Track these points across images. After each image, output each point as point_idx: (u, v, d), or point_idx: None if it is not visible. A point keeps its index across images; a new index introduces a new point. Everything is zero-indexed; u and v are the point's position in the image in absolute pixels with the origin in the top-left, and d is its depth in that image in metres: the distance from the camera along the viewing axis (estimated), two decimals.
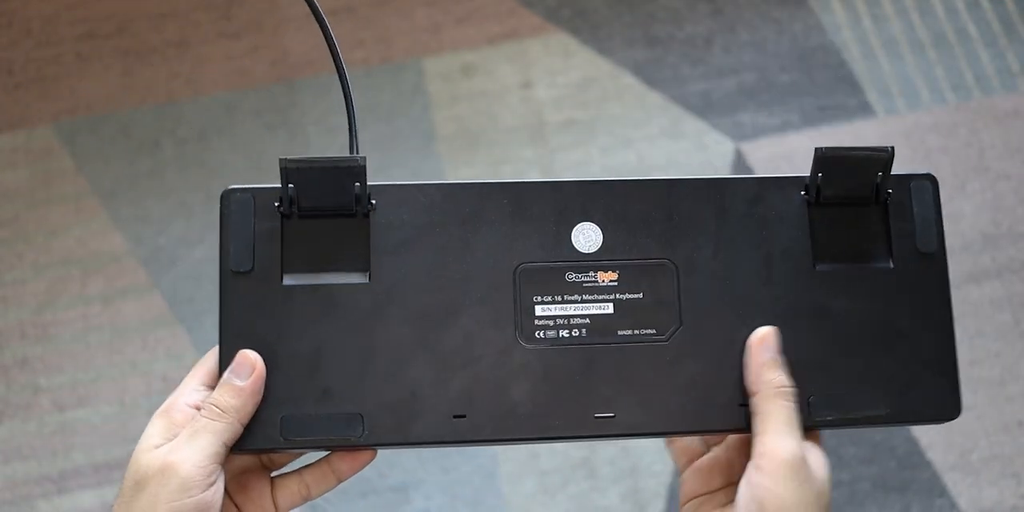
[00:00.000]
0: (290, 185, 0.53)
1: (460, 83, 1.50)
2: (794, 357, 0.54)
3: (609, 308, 0.55)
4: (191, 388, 0.54)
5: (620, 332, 0.54)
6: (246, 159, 1.47)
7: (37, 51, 1.55)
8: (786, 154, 1.44)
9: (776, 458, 0.51)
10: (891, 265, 0.57)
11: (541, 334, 0.54)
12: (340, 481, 0.61)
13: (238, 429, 0.52)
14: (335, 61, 0.58)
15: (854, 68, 1.49)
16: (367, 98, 1.50)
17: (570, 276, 0.55)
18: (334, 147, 1.46)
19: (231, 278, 0.53)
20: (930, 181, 0.59)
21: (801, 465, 0.51)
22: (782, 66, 1.50)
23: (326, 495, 1.26)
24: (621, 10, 1.55)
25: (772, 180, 0.57)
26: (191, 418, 0.52)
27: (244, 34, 1.54)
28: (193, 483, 0.50)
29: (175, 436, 0.52)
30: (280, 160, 0.53)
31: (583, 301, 0.55)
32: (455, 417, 0.53)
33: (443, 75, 1.51)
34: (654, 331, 0.54)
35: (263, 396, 0.53)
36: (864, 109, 1.46)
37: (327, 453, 0.58)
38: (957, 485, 1.26)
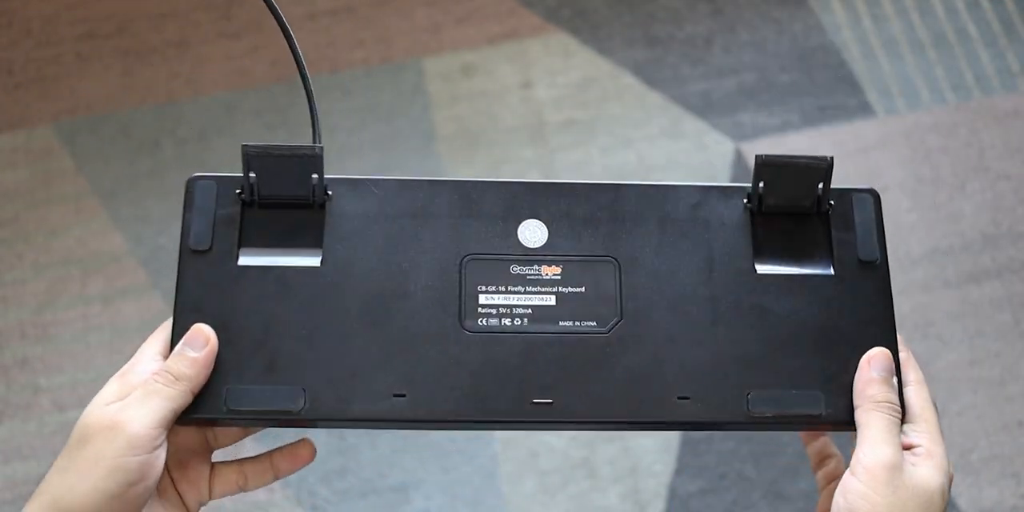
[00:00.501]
0: (251, 174, 0.56)
1: (460, 83, 1.50)
2: (733, 353, 0.56)
3: (551, 300, 0.56)
4: (148, 357, 0.55)
5: (561, 323, 0.56)
6: None
7: (37, 51, 1.55)
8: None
9: (868, 465, 0.52)
10: (832, 271, 0.58)
11: (483, 322, 0.56)
12: (276, 478, 0.61)
13: (188, 398, 0.53)
14: (291, 49, 0.60)
15: (854, 68, 1.49)
16: (367, 98, 1.50)
17: (514, 268, 0.57)
18: (334, 146, 1.46)
19: (189, 255, 0.56)
20: (872, 195, 0.60)
21: (894, 471, 0.51)
22: (782, 66, 1.50)
23: (326, 495, 1.26)
24: (621, 10, 1.55)
25: (716, 188, 0.59)
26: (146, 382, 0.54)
27: (244, 34, 1.54)
28: (139, 442, 0.51)
29: (118, 399, 0.53)
30: (242, 146, 0.56)
31: (526, 292, 0.56)
32: (395, 396, 0.54)
33: (443, 75, 1.51)
34: (595, 323, 0.56)
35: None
36: (864, 109, 1.46)
37: (268, 451, 0.60)
38: (957, 485, 1.26)
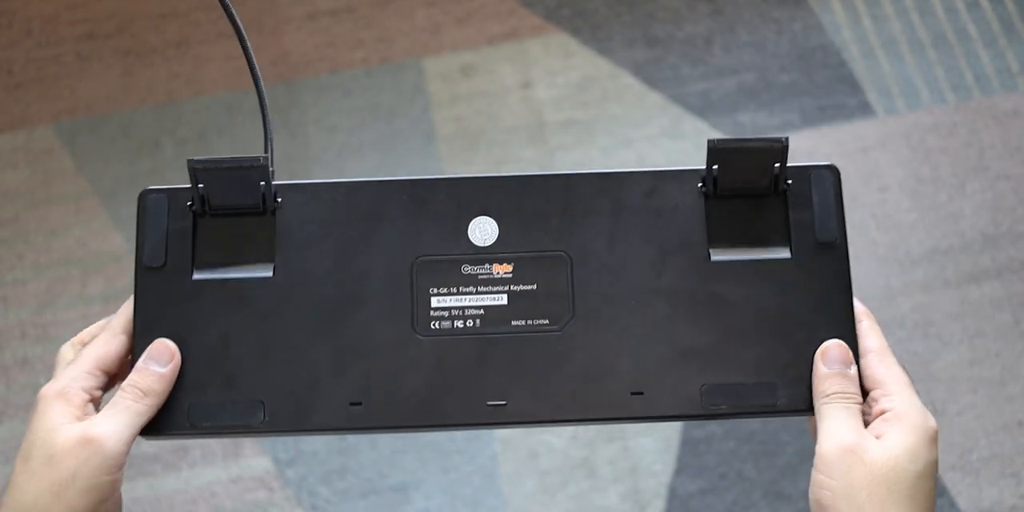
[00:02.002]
0: (200, 185, 0.56)
1: (460, 83, 1.50)
2: (687, 345, 0.55)
3: (503, 299, 0.56)
4: (84, 373, 0.54)
5: (514, 322, 0.56)
6: None
7: (37, 51, 1.55)
8: None
9: (822, 453, 0.52)
10: (789, 255, 0.56)
11: (436, 325, 0.56)
12: None
13: (152, 415, 0.54)
14: (247, 58, 0.60)
15: (854, 68, 1.49)
16: (367, 98, 1.50)
17: (466, 268, 0.56)
18: (334, 146, 1.46)
19: (144, 272, 0.56)
20: (831, 171, 0.59)
21: (847, 454, 0.51)
22: (782, 66, 1.50)
23: (326, 495, 1.26)
24: (621, 10, 1.55)
25: (670, 173, 0.58)
26: (87, 402, 0.53)
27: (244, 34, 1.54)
28: (115, 461, 0.51)
29: (78, 419, 0.52)
30: (188, 161, 0.56)
31: (478, 292, 0.56)
32: (351, 405, 0.54)
33: (443, 75, 1.51)
34: (547, 322, 0.56)
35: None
36: (864, 109, 1.46)
37: None
38: (957, 485, 1.26)
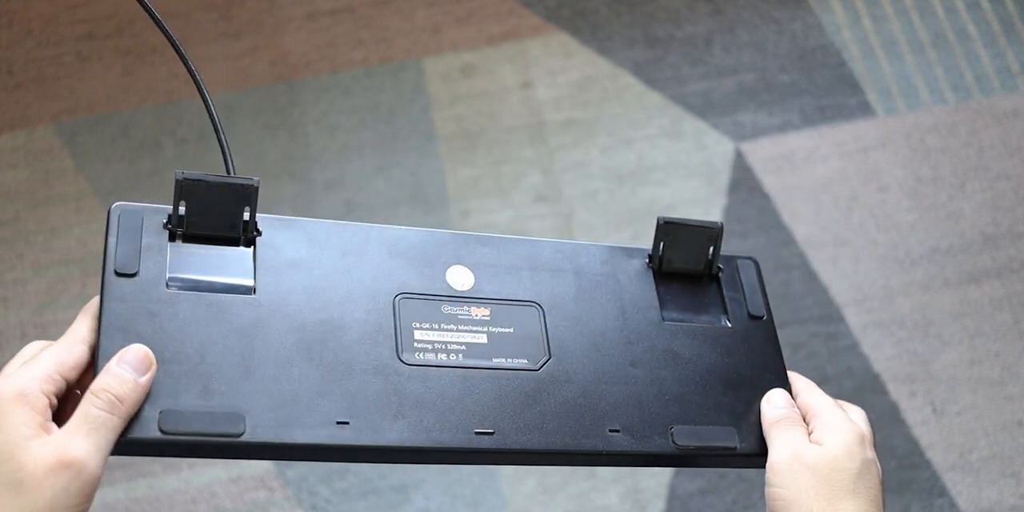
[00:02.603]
0: (182, 204, 0.54)
1: (460, 83, 1.51)
2: (653, 392, 0.60)
3: (483, 338, 0.58)
4: (45, 374, 0.48)
5: (495, 359, 0.58)
6: (246, 159, 1.47)
7: (37, 51, 1.55)
8: (786, 154, 1.44)
9: (770, 465, 0.57)
10: (728, 324, 0.64)
11: (420, 355, 0.56)
12: None
13: (122, 429, 0.48)
14: (195, 82, 0.61)
15: (854, 68, 1.49)
16: (367, 98, 1.50)
17: (445, 308, 0.59)
18: (334, 146, 1.46)
19: (114, 278, 0.52)
20: (752, 262, 0.67)
21: (792, 461, 0.56)
22: (782, 66, 1.50)
23: (326, 495, 1.26)
24: (621, 10, 1.55)
25: (620, 249, 0.64)
26: (48, 408, 0.48)
27: (244, 34, 1.54)
28: (95, 485, 0.46)
29: (42, 428, 0.46)
30: (175, 172, 0.54)
31: (459, 330, 0.58)
32: (338, 423, 0.52)
33: (443, 75, 1.51)
34: (526, 361, 0.59)
35: None
36: (864, 109, 1.46)
37: None
38: (957, 485, 1.26)
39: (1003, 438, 1.29)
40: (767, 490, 0.56)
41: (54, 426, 0.47)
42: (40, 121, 1.51)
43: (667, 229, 0.64)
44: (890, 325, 1.34)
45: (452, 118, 1.48)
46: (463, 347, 0.57)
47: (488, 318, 0.59)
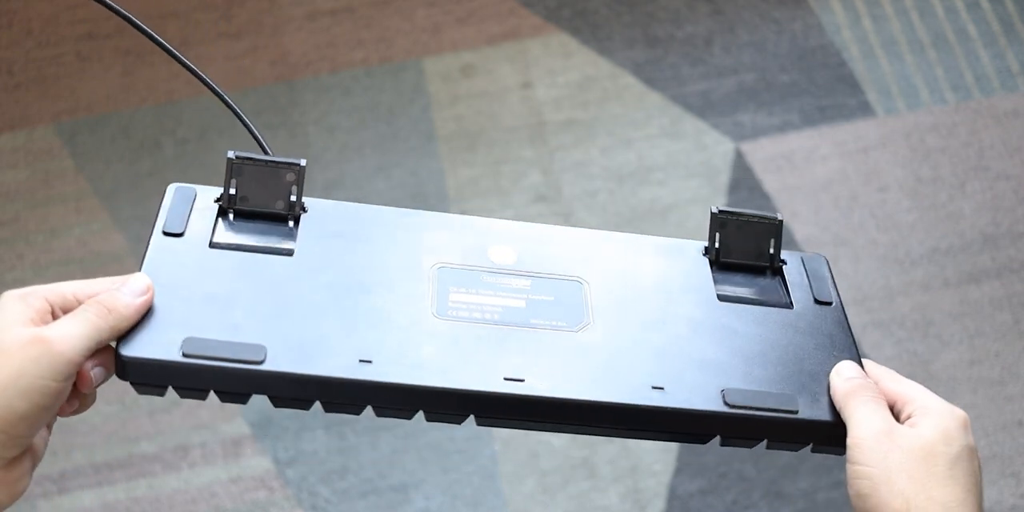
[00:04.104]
0: (233, 181, 0.57)
1: (460, 83, 1.51)
2: (704, 357, 0.56)
3: (522, 303, 0.57)
4: (60, 289, 0.53)
5: (532, 320, 0.56)
6: None
7: (37, 51, 1.55)
8: (786, 154, 1.44)
9: (856, 441, 0.51)
10: (791, 309, 0.60)
11: (455, 313, 0.55)
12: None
13: (112, 338, 0.50)
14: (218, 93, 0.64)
15: (854, 68, 1.49)
16: (367, 98, 1.50)
17: (485, 278, 0.58)
18: (334, 146, 1.46)
19: (161, 236, 0.55)
20: (823, 258, 0.64)
21: (882, 438, 0.51)
22: (782, 66, 1.50)
23: (326, 495, 1.27)
24: (621, 10, 1.55)
25: (674, 242, 0.62)
26: (48, 313, 0.51)
27: (244, 34, 1.54)
28: (65, 367, 0.48)
29: (30, 320, 0.49)
30: (228, 153, 0.58)
31: (496, 295, 0.57)
32: (361, 361, 0.51)
33: (443, 75, 1.51)
34: (565, 323, 0.56)
35: (169, 320, 0.51)
36: (864, 109, 1.46)
37: None
38: None
39: (1003, 438, 1.29)
40: (849, 468, 0.51)
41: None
42: (40, 121, 1.51)
43: (722, 219, 0.61)
44: (890, 325, 1.34)
45: (452, 118, 1.48)
46: (499, 309, 0.56)
47: (528, 288, 0.57)
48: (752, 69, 1.50)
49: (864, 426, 0.52)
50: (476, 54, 1.52)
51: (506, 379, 0.52)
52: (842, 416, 0.54)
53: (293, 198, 0.58)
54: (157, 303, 0.52)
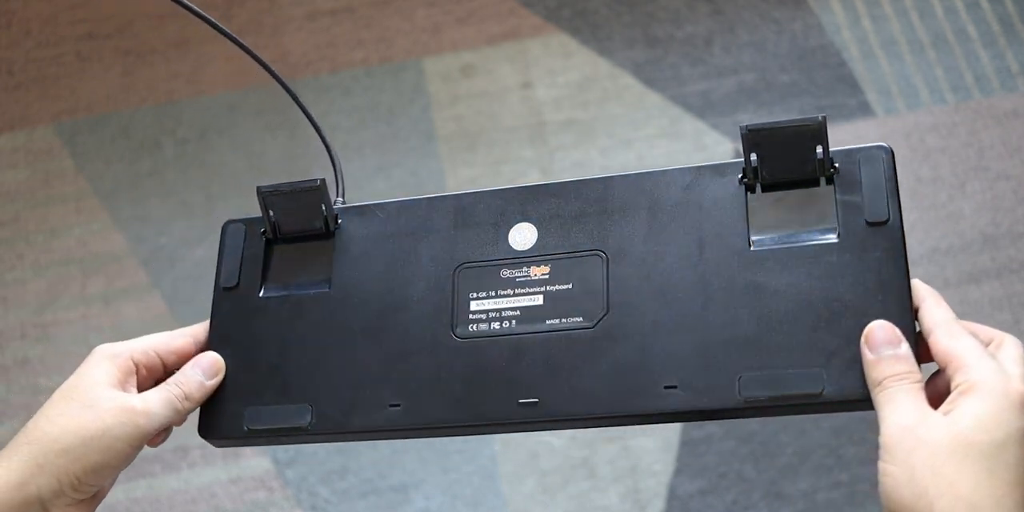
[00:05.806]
0: (271, 212, 0.63)
1: (460, 83, 1.51)
2: (724, 336, 0.54)
3: (539, 299, 0.58)
4: (142, 348, 0.59)
5: (548, 321, 0.57)
6: (246, 159, 1.47)
7: (37, 51, 1.55)
8: None
9: (883, 442, 0.47)
10: (836, 239, 0.54)
11: (473, 327, 0.58)
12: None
13: (185, 416, 0.59)
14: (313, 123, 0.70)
15: (854, 68, 1.49)
16: (367, 98, 1.50)
17: (504, 272, 0.59)
18: (334, 146, 1.46)
19: (221, 293, 0.63)
20: (883, 151, 0.57)
21: (906, 435, 0.46)
22: (782, 66, 1.50)
23: (326, 495, 1.27)
24: (621, 10, 1.55)
25: (709, 167, 0.57)
26: (132, 374, 0.58)
27: (244, 34, 1.54)
28: (144, 437, 0.56)
29: (120, 385, 0.57)
30: (257, 188, 0.63)
31: (515, 294, 0.59)
32: (391, 406, 0.58)
33: (443, 75, 1.51)
34: (581, 319, 0.57)
35: (232, 391, 0.60)
36: (864, 109, 1.46)
37: None
38: None
39: None
40: (879, 463, 0.47)
41: (133, 389, 0.58)
42: (40, 121, 1.51)
43: (755, 138, 0.55)
44: None
45: (452, 118, 1.48)
46: (517, 312, 0.58)
47: (547, 276, 0.59)
48: (752, 69, 1.50)
49: (890, 421, 0.47)
50: (476, 54, 1.52)
51: (520, 404, 0.56)
52: (875, 404, 0.49)
53: (325, 214, 0.63)
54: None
